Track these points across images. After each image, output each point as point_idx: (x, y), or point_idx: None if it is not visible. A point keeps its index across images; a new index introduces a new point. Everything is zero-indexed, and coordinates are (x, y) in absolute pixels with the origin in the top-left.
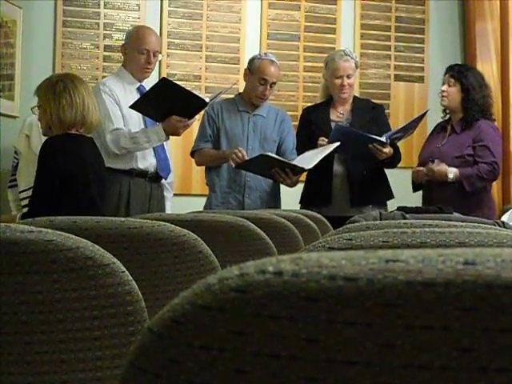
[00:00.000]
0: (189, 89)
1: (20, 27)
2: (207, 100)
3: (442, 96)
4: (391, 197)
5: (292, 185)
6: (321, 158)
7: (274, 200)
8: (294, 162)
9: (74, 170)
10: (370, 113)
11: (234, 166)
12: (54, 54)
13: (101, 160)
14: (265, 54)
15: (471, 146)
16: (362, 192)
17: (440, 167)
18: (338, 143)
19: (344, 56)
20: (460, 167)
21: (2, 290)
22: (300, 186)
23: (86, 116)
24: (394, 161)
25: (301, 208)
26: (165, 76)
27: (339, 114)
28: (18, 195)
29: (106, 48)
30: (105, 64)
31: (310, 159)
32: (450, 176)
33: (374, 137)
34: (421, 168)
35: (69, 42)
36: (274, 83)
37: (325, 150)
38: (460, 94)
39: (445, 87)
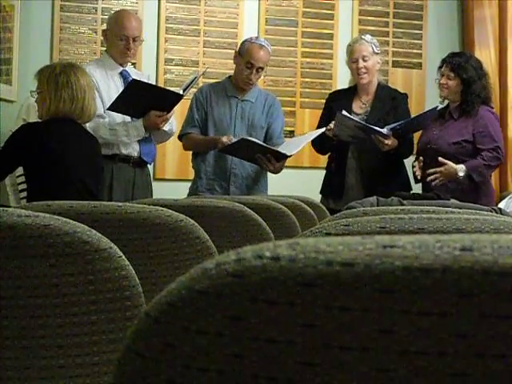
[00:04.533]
0: (160, 85)
1: (18, 12)
2: (180, 92)
3: (442, 88)
4: (408, 189)
5: (275, 171)
6: (304, 144)
7: (260, 187)
8: (278, 148)
9: (40, 156)
10: (389, 104)
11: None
12: (51, 38)
13: (87, 142)
14: (256, 37)
15: (470, 132)
16: (375, 186)
17: (447, 168)
18: (323, 129)
19: (360, 40)
20: (456, 153)
21: None
22: (287, 173)
23: (84, 110)
24: (401, 152)
25: (322, 199)
26: (136, 79)
27: (362, 105)
28: (15, 179)
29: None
30: (102, 49)
31: (294, 145)
32: (461, 174)
33: (375, 128)
34: (420, 171)
35: (67, 26)
36: (262, 68)
37: (310, 136)
38: (460, 87)
39: (444, 80)
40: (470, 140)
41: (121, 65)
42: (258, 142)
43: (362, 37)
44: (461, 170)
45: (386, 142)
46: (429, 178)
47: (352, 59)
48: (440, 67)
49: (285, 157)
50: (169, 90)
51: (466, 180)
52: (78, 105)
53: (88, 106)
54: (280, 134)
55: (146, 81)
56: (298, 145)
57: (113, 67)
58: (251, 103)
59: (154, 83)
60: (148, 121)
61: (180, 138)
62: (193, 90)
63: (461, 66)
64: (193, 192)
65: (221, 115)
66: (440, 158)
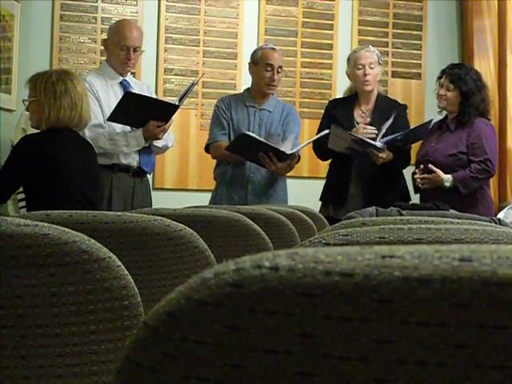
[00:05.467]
0: (154, 97)
1: (18, 21)
2: (176, 103)
3: (440, 99)
4: (407, 200)
5: (278, 171)
6: (304, 144)
7: (280, 195)
8: (282, 149)
9: (44, 169)
10: (389, 114)
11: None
12: (51, 47)
13: (86, 151)
14: (265, 44)
15: (465, 143)
16: (375, 195)
17: (435, 176)
18: (326, 131)
19: (366, 47)
20: (452, 165)
21: None
22: (287, 182)
23: (81, 117)
24: (397, 165)
25: (321, 206)
26: (130, 92)
27: (362, 114)
28: None
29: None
30: (102, 58)
31: (295, 147)
32: (447, 184)
33: (369, 141)
34: (416, 176)
35: (66, 35)
36: (281, 68)
37: (312, 138)
38: (459, 98)
39: (443, 91)
40: (465, 151)
41: (121, 74)
42: (257, 137)
43: (368, 46)
44: (447, 180)
45: (381, 155)
46: (417, 182)
47: (358, 66)
48: (439, 78)
49: (285, 156)
50: (164, 101)
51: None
52: (77, 112)
53: (85, 113)
54: (295, 139)
55: (146, 92)
56: (298, 145)
57: (113, 77)
58: (269, 112)
59: (153, 94)
60: (147, 131)
61: (207, 147)
62: (193, 100)
63: (461, 78)
64: (212, 201)
65: (239, 123)
66: (430, 165)
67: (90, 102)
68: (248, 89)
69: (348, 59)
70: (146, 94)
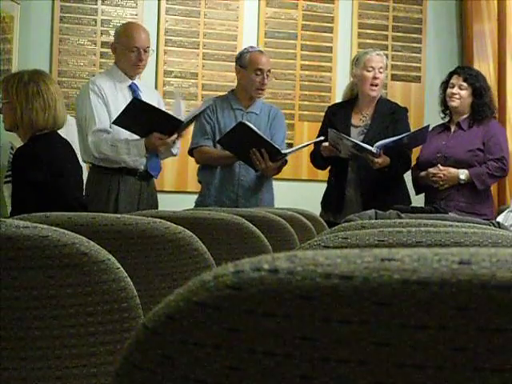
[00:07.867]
0: (161, 108)
1: (17, 23)
2: (182, 119)
3: (453, 98)
4: (408, 203)
5: (267, 171)
6: (299, 147)
7: (268, 199)
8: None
9: (46, 177)
10: (389, 118)
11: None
12: (51, 50)
13: (72, 153)
14: (250, 47)
15: (481, 141)
16: (374, 199)
17: (450, 171)
18: (321, 138)
19: (376, 50)
20: (470, 161)
21: None
22: (286, 185)
23: (56, 119)
24: (395, 170)
25: (321, 212)
26: (137, 99)
27: (362, 118)
28: None
29: (103, 44)
30: (102, 60)
31: (290, 149)
32: (462, 177)
33: (364, 146)
34: (423, 173)
35: (66, 38)
36: (269, 71)
37: (307, 142)
38: (471, 97)
39: (456, 90)
40: (482, 148)
41: (130, 77)
42: (255, 129)
43: (377, 49)
44: (463, 173)
45: (376, 160)
46: (434, 180)
47: (368, 68)
48: (445, 82)
49: (279, 154)
50: (169, 115)
51: (461, 186)
52: (50, 113)
53: (59, 113)
54: (281, 144)
55: (154, 99)
56: (294, 148)
57: (122, 80)
58: (256, 115)
59: (161, 101)
60: (149, 142)
61: (191, 151)
62: (193, 103)
63: (473, 75)
64: (200, 205)
65: (227, 127)
66: (438, 166)
67: (63, 103)
68: (233, 90)
69: (356, 59)
70: (155, 102)
